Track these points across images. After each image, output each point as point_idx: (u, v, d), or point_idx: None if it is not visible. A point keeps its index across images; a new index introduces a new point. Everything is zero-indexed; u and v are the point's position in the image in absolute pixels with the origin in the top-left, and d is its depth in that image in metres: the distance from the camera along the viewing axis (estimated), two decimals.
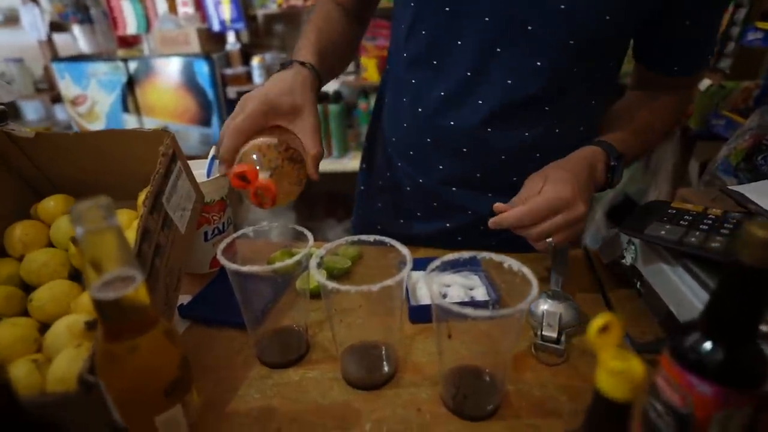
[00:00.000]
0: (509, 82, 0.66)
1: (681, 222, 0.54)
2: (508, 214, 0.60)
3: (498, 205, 0.62)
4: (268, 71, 2.25)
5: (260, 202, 0.52)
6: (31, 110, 2.60)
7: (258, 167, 0.52)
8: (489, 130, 0.70)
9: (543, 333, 0.56)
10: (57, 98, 2.13)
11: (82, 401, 0.39)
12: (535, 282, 0.43)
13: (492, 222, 0.62)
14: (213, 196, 0.72)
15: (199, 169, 0.76)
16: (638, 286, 0.61)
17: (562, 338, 0.55)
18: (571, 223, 0.59)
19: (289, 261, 0.50)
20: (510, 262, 0.47)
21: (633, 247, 0.61)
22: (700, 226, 0.52)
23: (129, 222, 0.60)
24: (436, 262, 0.48)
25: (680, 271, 0.52)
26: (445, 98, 0.71)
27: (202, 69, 2.15)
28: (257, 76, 2.30)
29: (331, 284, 0.45)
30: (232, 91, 2.32)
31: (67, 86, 2.06)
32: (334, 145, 2.14)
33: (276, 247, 0.78)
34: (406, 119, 0.76)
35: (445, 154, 0.75)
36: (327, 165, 2.12)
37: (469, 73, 0.68)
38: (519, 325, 0.43)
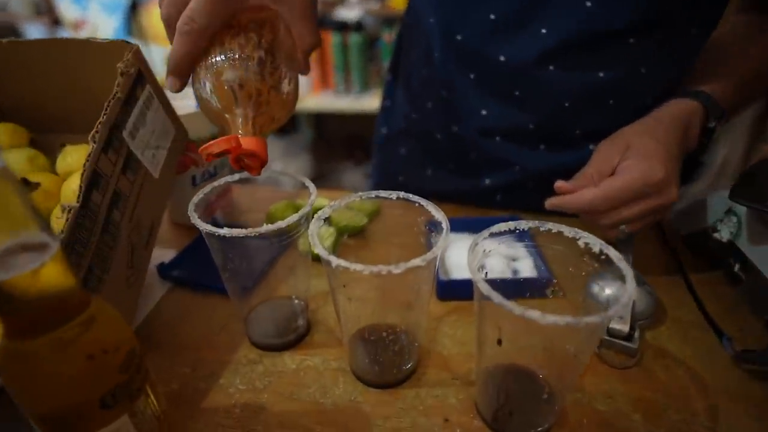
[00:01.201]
0: (588, 4, 0.49)
1: None
2: (575, 197, 0.46)
3: (561, 184, 0.48)
4: None
5: (243, 168, 0.38)
6: (36, 34, 2.45)
7: (235, 109, 0.36)
8: (551, 68, 0.53)
9: (610, 326, 0.43)
10: (57, 21, 1.98)
11: None
12: (630, 274, 0.30)
13: (550, 203, 0.48)
14: (200, 133, 0.59)
15: (189, 98, 0.63)
16: (736, 269, 0.47)
17: (635, 333, 0.43)
18: (656, 211, 0.46)
19: (282, 223, 0.37)
20: (588, 238, 0.33)
21: (734, 219, 0.47)
22: None
23: None
24: (484, 234, 0.35)
25: None
26: (495, 23, 0.54)
27: None
28: None
29: (336, 260, 0.32)
30: None
31: (66, 8, 1.89)
32: (354, 80, 1.96)
33: (278, 195, 0.65)
34: (438, 49, 0.60)
35: (489, 97, 0.59)
36: (346, 103, 1.95)
37: None
38: (601, 333, 0.31)
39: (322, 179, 2.21)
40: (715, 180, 0.88)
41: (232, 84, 0.35)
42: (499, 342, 0.32)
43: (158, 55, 2.01)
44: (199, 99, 0.37)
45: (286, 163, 2.15)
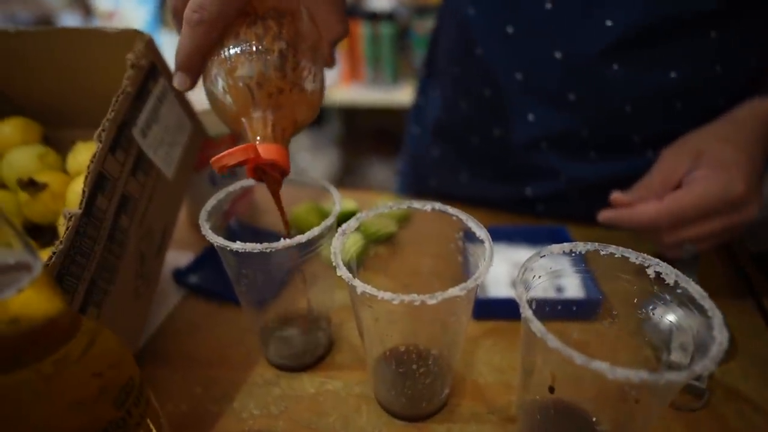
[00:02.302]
0: None
1: None
2: (634, 212, 0.41)
3: (618, 197, 0.42)
4: None
5: (262, 179, 0.34)
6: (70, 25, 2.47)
7: (252, 111, 0.31)
8: (615, 66, 0.46)
9: (671, 359, 0.38)
10: (89, 11, 1.99)
11: None
12: (718, 318, 0.24)
13: (605, 217, 0.43)
14: (221, 128, 0.55)
15: None
16: None
17: None
18: (730, 230, 0.40)
19: (302, 237, 0.33)
20: (660, 266, 0.28)
21: None
22: None
23: None
24: (534, 259, 0.30)
25: None
26: (553, 14, 0.47)
27: None
28: None
29: (362, 287, 0.28)
30: None
31: None
32: (385, 72, 1.90)
33: (302, 195, 0.61)
34: (483, 44, 0.53)
35: (538, 101, 0.52)
36: (376, 96, 1.90)
37: None
38: (678, 387, 0.26)
39: (350, 174, 2.17)
40: None
41: (248, 81, 0.31)
42: (551, 390, 0.27)
43: None
44: (211, 98, 0.33)
45: (313, 157, 2.12)
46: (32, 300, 0.22)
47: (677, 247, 0.41)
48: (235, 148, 0.29)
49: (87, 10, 2.00)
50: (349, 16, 0.36)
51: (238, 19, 0.31)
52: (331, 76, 1.92)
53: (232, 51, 0.31)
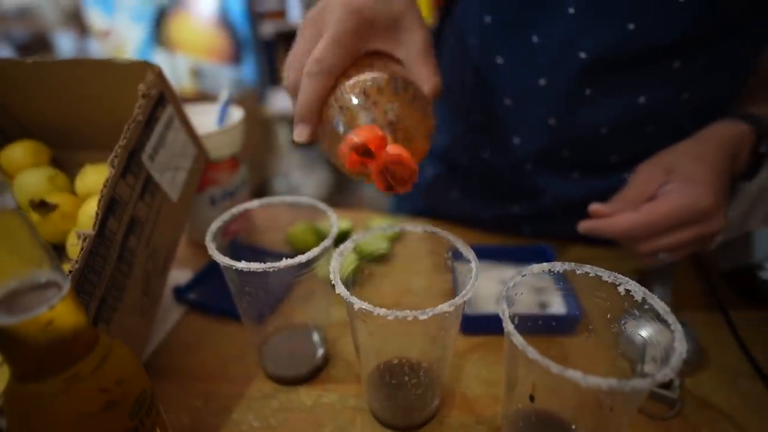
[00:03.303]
0: (631, 26, 0.46)
1: None
2: (611, 222, 0.44)
3: (596, 207, 0.45)
4: (307, 5, 2.04)
5: (390, 184, 0.31)
6: (66, 43, 2.50)
7: (365, 117, 0.32)
8: (588, 92, 0.50)
9: (645, 371, 0.40)
10: (85, 30, 2.02)
11: None
12: (679, 331, 0.27)
13: (584, 227, 0.46)
14: (222, 152, 0.58)
15: (210, 115, 0.62)
16: None
17: (675, 381, 0.40)
18: (701, 240, 0.43)
19: (303, 257, 0.36)
20: (629, 284, 0.31)
21: None
22: None
23: None
24: (516, 278, 0.32)
25: None
26: (539, 48, 0.51)
27: (235, 1, 1.97)
28: (294, 9, 2.11)
29: (359, 303, 0.30)
30: (267, 27, 2.14)
31: (95, 17, 1.94)
32: None
33: (297, 214, 0.64)
34: (471, 73, 0.57)
35: (525, 125, 0.56)
36: None
37: (571, 10, 0.47)
38: (645, 394, 0.28)
39: (342, 192, 2.20)
40: (751, 208, 0.84)
41: (369, 88, 0.33)
42: (532, 399, 0.30)
43: (183, 64, 2.03)
44: (331, 142, 0.35)
45: (306, 175, 2.15)
46: (61, 316, 0.24)
47: (652, 255, 0.44)
48: (362, 129, 0.30)
49: (82, 29, 2.03)
50: None
51: (349, 69, 0.35)
52: None
53: (347, 83, 0.34)
